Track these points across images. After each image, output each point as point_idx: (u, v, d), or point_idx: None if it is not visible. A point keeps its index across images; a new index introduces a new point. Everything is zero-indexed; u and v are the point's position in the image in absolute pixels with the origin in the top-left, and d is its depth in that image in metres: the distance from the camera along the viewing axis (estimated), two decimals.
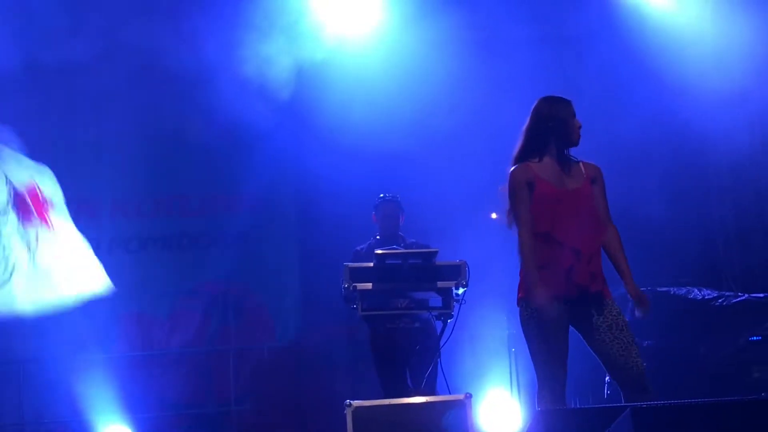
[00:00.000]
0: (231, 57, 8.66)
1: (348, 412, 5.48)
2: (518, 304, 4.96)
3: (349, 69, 8.89)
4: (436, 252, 5.94)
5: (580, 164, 4.99)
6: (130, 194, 9.26)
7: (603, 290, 4.90)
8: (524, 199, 4.89)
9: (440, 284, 5.86)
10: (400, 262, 5.88)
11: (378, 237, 6.89)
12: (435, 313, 6.02)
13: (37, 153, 8.86)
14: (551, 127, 4.92)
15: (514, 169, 4.95)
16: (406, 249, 6.43)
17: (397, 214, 6.90)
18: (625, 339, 4.83)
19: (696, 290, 8.20)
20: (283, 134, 9.06)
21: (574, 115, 4.96)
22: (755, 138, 9.03)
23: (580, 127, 4.96)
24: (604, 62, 8.91)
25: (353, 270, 5.83)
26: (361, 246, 6.83)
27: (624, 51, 8.96)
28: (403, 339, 6.40)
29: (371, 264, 5.87)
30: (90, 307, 8.58)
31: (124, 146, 9.12)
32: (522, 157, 4.98)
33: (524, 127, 5.03)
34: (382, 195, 6.97)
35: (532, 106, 5.03)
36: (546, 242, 4.85)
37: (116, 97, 8.96)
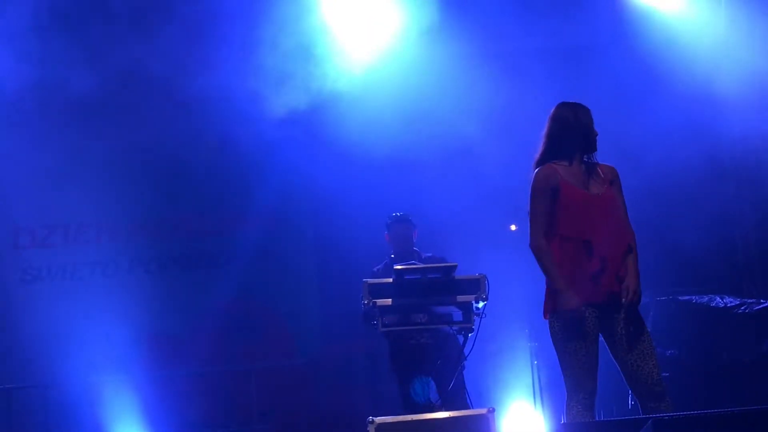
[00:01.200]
0: (245, 74, 8.69)
1: (371, 429, 5.46)
2: (545, 316, 4.94)
3: (363, 84, 8.90)
4: (455, 266, 5.92)
5: (599, 168, 4.99)
6: (148, 215, 9.29)
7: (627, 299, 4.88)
8: (545, 200, 4.90)
9: (460, 298, 5.84)
10: (419, 277, 5.87)
11: (392, 256, 6.89)
12: (456, 327, 5.99)
13: (53, 176, 8.96)
14: (577, 133, 4.93)
15: (539, 170, 4.96)
16: (423, 264, 6.45)
17: (410, 232, 6.89)
18: (644, 349, 4.81)
19: (718, 298, 8.14)
20: (298, 151, 9.07)
21: (593, 122, 4.97)
22: None
23: (597, 135, 4.98)
24: (616, 72, 8.89)
25: (372, 286, 5.82)
26: (378, 266, 6.83)
27: (635, 60, 8.93)
28: (426, 354, 6.38)
29: (390, 280, 5.86)
30: (111, 328, 8.65)
31: (141, 167, 9.16)
32: (545, 162, 4.97)
33: (545, 133, 5.03)
34: (394, 214, 6.96)
35: (552, 112, 5.04)
36: (573, 247, 4.86)
37: (132, 117, 9.00)
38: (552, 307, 4.90)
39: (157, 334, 8.98)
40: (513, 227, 8.91)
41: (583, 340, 4.80)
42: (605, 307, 4.84)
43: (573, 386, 4.84)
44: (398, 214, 6.96)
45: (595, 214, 4.86)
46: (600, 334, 4.89)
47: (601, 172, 4.97)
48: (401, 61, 8.95)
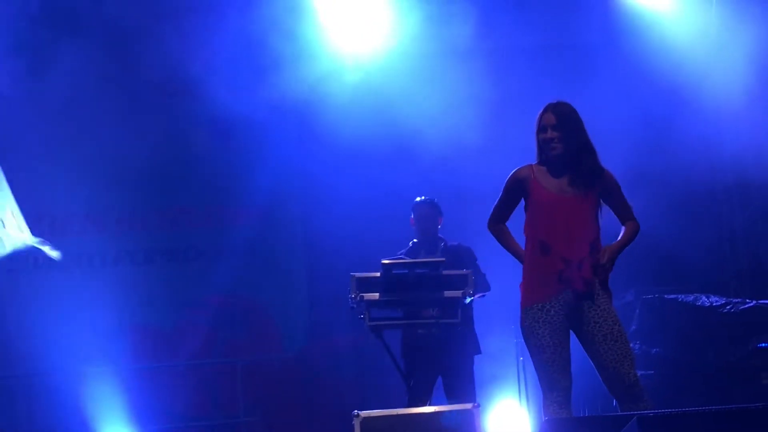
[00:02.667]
0: (237, 68, 8.68)
1: (356, 423, 5.48)
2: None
3: (355, 80, 8.90)
4: (443, 261, 5.94)
5: (586, 170, 4.99)
6: (135, 207, 9.26)
7: (601, 297, 4.90)
8: (509, 195, 5.05)
9: (447, 293, 5.85)
10: (406, 271, 5.88)
11: (415, 240, 6.86)
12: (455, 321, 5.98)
13: (41, 166, 8.93)
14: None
15: (517, 168, 5.05)
16: (445, 251, 6.52)
17: (434, 216, 6.83)
18: (619, 349, 4.82)
19: (704, 297, 8.16)
20: (289, 145, 9.07)
21: (544, 128, 4.98)
22: (762, 142, 9.01)
23: (552, 139, 4.97)
24: (609, 70, 8.91)
25: (360, 280, 5.83)
26: (401, 252, 6.78)
27: (628, 58, 8.96)
28: (435, 349, 6.37)
29: (377, 274, 5.86)
30: (97, 320, 8.64)
31: (129, 159, 9.11)
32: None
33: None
34: (420, 197, 6.91)
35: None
36: (531, 246, 4.95)
37: (120, 110, 8.97)
38: (521, 304, 4.94)
39: (144, 327, 8.96)
40: None
41: (549, 337, 4.81)
42: (573, 305, 4.85)
43: (546, 384, 4.86)
44: (425, 197, 6.93)
45: (557, 215, 4.90)
46: (574, 333, 4.91)
47: (585, 175, 4.98)
48: (395, 56, 8.96)
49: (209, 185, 9.30)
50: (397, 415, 5.63)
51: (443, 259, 5.99)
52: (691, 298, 8.12)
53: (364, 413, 5.53)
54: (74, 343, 8.57)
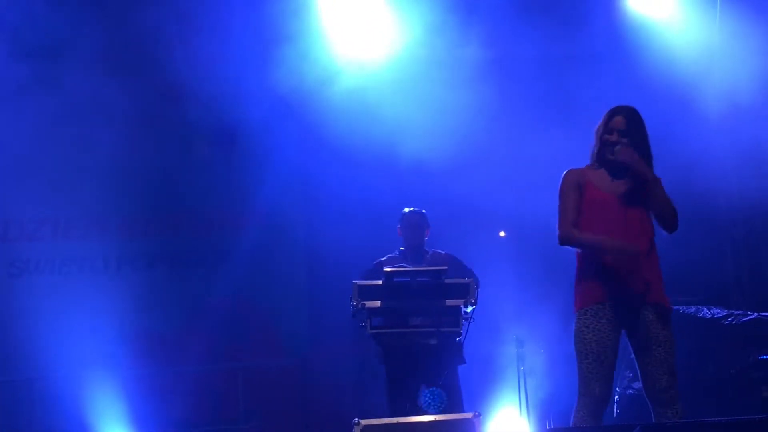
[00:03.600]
0: (240, 73, 8.69)
1: (356, 431, 5.47)
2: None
3: (360, 84, 8.90)
4: (445, 270, 5.94)
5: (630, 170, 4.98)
6: (137, 212, 9.26)
7: (658, 301, 4.90)
8: (571, 197, 4.95)
9: (449, 302, 5.85)
10: (408, 280, 5.87)
11: (402, 249, 6.88)
12: (446, 331, 5.98)
13: (44, 171, 8.95)
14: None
15: (566, 172, 5.04)
16: (431, 261, 6.54)
17: (423, 225, 6.87)
18: (660, 354, 4.83)
19: (705, 309, 8.16)
20: (292, 151, 9.07)
21: (611, 130, 4.96)
22: (764, 150, 9.01)
23: (616, 143, 4.95)
24: (611, 79, 8.92)
25: (362, 288, 5.82)
26: (385, 257, 6.80)
27: (631, 69, 8.97)
28: (420, 356, 6.37)
29: (380, 282, 5.86)
30: (98, 325, 8.64)
31: (131, 164, 9.12)
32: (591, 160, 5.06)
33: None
34: (406, 209, 6.95)
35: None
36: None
37: (123, 115, 8.98)
38: (575, 306, 4.92)
39: (145, 332, 8.94)
40: (502, 234, 8.95)
41: (595, 344, 4.81)
42: (629, 307, 4.85)
43: (581, 389, 4.88)
44: (413, 208, 6.95)
45: (612, 216, 4.87)
46: (627, 336, 4.92)
47: (635, 178, 4.97)
48: (398, 64, 8.96)
49: (211, 191, 9.30)
50: (398, 424, 5.62)
51: (445, 267, 5.99)
52: (692, 309, 8.13)
53: (365, 421, 5.52)
54: (76, 347, 8.57)
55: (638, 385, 5.20)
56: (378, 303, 5.83)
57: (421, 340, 6.28)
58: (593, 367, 4.82)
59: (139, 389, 8.63)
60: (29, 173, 8.94)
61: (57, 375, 8.61)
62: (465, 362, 6.59)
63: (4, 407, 8.71)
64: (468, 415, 5.64)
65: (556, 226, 5.00)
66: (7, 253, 8.97)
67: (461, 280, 5.97)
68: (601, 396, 4.83)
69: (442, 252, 6.86)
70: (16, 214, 8.99)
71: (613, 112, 5.01)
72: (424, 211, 6.93)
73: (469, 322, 5.94)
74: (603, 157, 4.99)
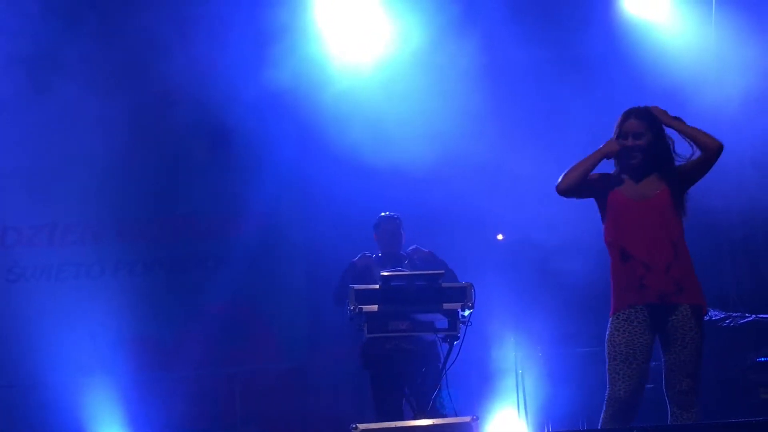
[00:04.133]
0: (235, 75, 8.69)
1: None
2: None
3: (356, 87, 8.91)
4: (443, 274, 5.94)
5: (655, 174, 4.96)
6: (135, 216, 9.24)
7: (692, 302, 4.88)
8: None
9: (446, 306, 5.84)
10: (405, 284, 5.87)
11: (380, 254, 6.94)
12: (441, 335, 5.99)
13: (40, 176, 8.95)
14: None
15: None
16: (412, 263, 6.58)
17: (400, 231, 6.94)
18: (685, 356, 4.82)
19: None
20: (288, 153, 9.05)
21: (626, 135, 4.95)
22: (761, 155, 9.01)
23: (632, 148, 4.94)
24: (608, 83, 8.93)
25: (359, 292, 5.82)
26: (356, 258, 6.86)
27: (628, 73, 8.97)
28: (403, 361, 6.41)
29: (377, 286, 5.86)
30: (95, 329, 8.63)
31: (128, 167, 9.12)
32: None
33: None
34: (383, 213, 7.02)
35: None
36: (620, 256, 4.90)
37: (120, 119, 8.97)
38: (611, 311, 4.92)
39: (142, 337, 8.92)
40: (500, 237, 8.94)
41: (624, 346, 4.81)
42: (659, 310, 4.83)
43: (608, 390, 4.87)
44: (387, 213, 7.00)
45: (636, 221, 4.88)
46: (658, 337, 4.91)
47: (657, 179, 4.95)
48: (395, 67, 8.96)
49: (209, 194, 9.28)
50: (396, 428, 5.62)
51: (443, 271, 6.00)
52: None
53: (363, 425, 5.53)
54: (72, 352, 8.57)
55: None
56: (375, 307, 5.82)
57: (417, 343, 6.30)
58: (619, 367, 4.81)
59: (137, 394, 8.62)
60: (26, 179, 8.94)
61: (55, 380, 8.60)
62: (448, 368, 6.58)
63: (1, 413, 8.70)
64: (466, 419, 5.64)
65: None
66: (5, 258, 8.97)
67: (459, 284, 5.97)
68: (625, 398, 4.80)
69: (425, 249, 6.89)
70: (14, 221, 8.99)
71: (626, 116, 4.99)
72: (399, 218, 6.98)
73: (467, 326, 5.94)
74: (623, 162, 4.98)
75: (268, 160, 9.00)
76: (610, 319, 4.93)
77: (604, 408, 4.89)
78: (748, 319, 7.96)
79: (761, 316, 8.01)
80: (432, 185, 8.62)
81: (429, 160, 8.47)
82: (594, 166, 4.97)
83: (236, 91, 8.65)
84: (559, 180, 4.98)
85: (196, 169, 9.28)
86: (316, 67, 8.85)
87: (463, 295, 5.87)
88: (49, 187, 8.97)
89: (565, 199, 5.09)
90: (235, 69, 8.70)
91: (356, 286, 5.83)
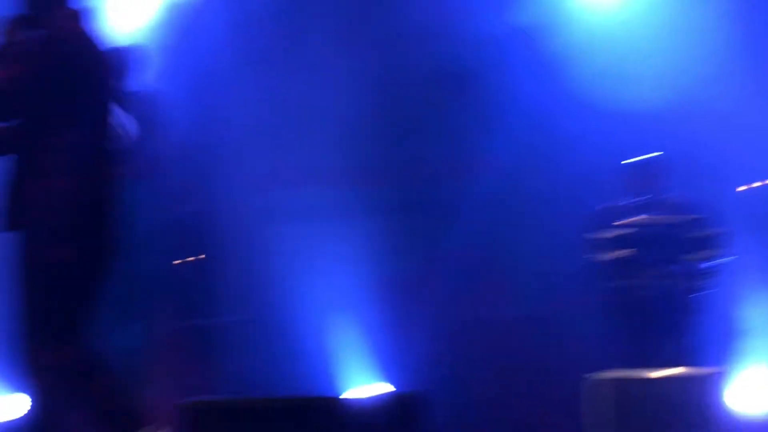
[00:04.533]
0: (473, 13, 8.69)
1: (592, 385, 5.45)
2: None
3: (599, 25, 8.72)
4: (701, 220, 5.81)
5: None
6: (373, 162, 9.45)
7: None
8: None
9: (700, 254, 5.72)
10: (661, 230, 5.76)
11: (634, 200, 6.78)
12: (694, 284, 5.88)
13: (286, 126, 9.29)
14: None
15: None
16: (672, 207, 6.39)
17: (660, 176, 6.75)
18: None
19: None
20: (529, 96, 8.87)
21: None
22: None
23: None
24: None
25: (612, 239, 5.77)
26: (613, 203, 6.74)
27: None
28: (656, 309, 6.31)
29: (632, 231, 5.78)
30: (337, 271, 8.91)
31: (367, 114, 9.24)
32: None
33: None
34: (639, 157, 6.86)
35: None
36: None
37: (357, 63, 9.13)
38: None
39: (383, 278, 9.12)
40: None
41: None
42: None
43: None
44: (644, 156, 6.86)
45: None
46: None
47: None
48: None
49: (447, 138, 9.33)
50: (634, 379, 5.55)
51: (703, 216, 5.86)
52: None
53: (601, 375, 5.47)
54: (314, 292, 8.88)
55: None
56: (623, 253, 5.77)
57: (669, 291, 6.21)
58: None
59: (380, 333, 8.84)
60: (275, 130, 9.30)
61: (297, 318, 8.95)
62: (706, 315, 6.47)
63: (247, 347, 9.16)
64: (710, 370, 5.53)
65: None
66: (263, 201, 9.39)
67: (708, 232, 5.82)
68: None
69: (683, 196, 6.68)
70: (270, 167, 9.38)
71: None
72: (654, 159, 6.78)
73: (718, 277, 5.80)
74: None
75: (507, 102, 8.92)
76: None
77: None
78: None
79: None
80: (677, 129, 8.32)
81: (684, 106, 8.22)
82: None
83: (474, 28, 8.64)
84: None
85: (433, 110, 9.34)
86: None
87: (712, 243, 5.74)
88: (297, 136, 9.27)
89: None
90: (473, 4, 8.70)
91: (610, 233, 5.79)
